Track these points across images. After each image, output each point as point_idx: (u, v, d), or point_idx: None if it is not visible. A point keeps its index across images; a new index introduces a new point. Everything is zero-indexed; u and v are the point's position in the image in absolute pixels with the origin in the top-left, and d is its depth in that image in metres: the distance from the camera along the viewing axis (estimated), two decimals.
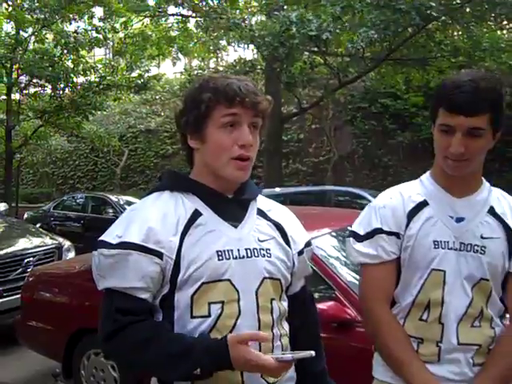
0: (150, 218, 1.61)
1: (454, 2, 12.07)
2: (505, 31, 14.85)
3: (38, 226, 10.73)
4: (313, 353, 1.50)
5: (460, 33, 13.66)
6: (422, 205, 1.92)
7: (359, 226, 1.99)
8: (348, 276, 3.39)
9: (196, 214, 1.65)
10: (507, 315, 1.94)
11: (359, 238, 1.96)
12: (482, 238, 1.86)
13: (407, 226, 1.90)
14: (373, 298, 1.92)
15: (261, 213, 1.77)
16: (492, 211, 1.90)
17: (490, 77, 1.81)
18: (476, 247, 1.85)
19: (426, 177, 2.01)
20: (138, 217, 1.63)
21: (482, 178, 1.97)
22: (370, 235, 1.94)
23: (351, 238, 1.99)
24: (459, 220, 1.87)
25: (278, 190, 11.30)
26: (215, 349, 1.51)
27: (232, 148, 1.62)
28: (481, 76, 1.78)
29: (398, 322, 1.90)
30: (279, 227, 1.77)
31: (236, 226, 1.68)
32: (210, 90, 1.61)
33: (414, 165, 13.75)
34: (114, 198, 12.60)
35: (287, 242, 1.76)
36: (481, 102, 1.72)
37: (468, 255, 1.85)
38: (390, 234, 1.91)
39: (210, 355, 1.50)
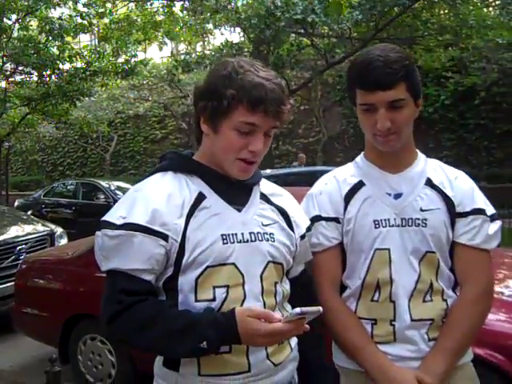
0: (155, 198, 1.59)
1: None
2: (491, 8, 14.85)
3: (29, 213, 10.72)
4: (320, 308, 1.48)
5: (446, 11, 13.64)
6: (358, 186, 1.90)
7: None
8: None
9: (201, 197, 1.63)
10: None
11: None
12: (421, 210, 1.83)
13: (345, 209, 1.89)
14: (320, 285, 1.90)
15: (264, 197, 1.76)
16: (429, 183, 1.88)
17: (397, 48, 1.79)
18: (417, 221, 1.83)
19: (360, 158, 1.98)
20: (142, 197, 1.60)
21: (417, 151, 1.95)
22: (311, 223, 1.90)
23: None
24: (397, 196, 1.85)
25: (268, 171, 11.30)
26: (222, 321, 1.49)
27: (241, 150, 1.60)
28: (388, 49, 1.76)
29: (347, 308, 1.88)
30: (282, 212, 1.76)
31: (240, 210, 1.67)
32: (236, 86, 1.55)
33: None
34: (104, 183, 12.56)
35: (290, 227, 1.76)
36: (394, 73, 1.70)
37: (410, 230, 1.83)
38: (328, 219, 1.90)
39: (216, 327, 1.49)
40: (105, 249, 1.59)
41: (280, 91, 1.58)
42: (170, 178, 1.67)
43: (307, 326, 1.52)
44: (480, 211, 1.86)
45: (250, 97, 1.53)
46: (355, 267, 1.89)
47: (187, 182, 1.66)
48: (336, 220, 1.89)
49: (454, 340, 1.79)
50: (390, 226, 1.84)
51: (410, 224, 1.83)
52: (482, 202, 1.88)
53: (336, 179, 1.94)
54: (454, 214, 1.85)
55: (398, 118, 1.75)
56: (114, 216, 1.59)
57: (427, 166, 1.92)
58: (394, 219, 1.84)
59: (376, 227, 1.84)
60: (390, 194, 1.86)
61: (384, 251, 1.83)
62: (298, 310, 1.45)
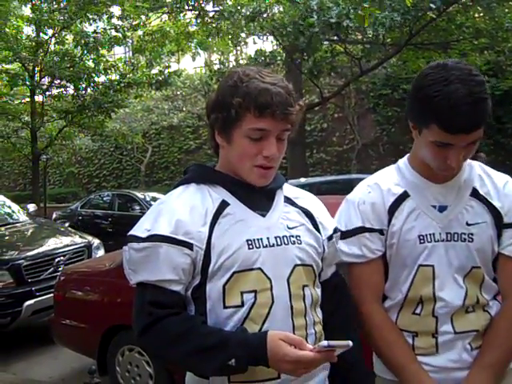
0: (178, 210, 1.62)
1: None
2: None
3: (66, 225, 10.86)
4: (350, 343, 1.46)
5: (481, 14, 13.45)
6: (403, 197, 1.83)
7: (340, 221, 1.91)
8: None
9: (223, 205, 1.65)
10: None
11: (342, 235, 1.87)
12: (467, 225, 1.78)
13: (389, 222, 1.83)
14: (362, 299, 1.85)
15: (288, 200, 1.76)
16: (475, 193, 1.81)
17: (477, 75, 1.62)
18: (463, 236, 1.77)
19: (403, 163, 1.91)
20: (165, 210, 1.64)
21: None
22: (352, 233, 1.86)
23: (337, 234, 1.89)
24: (442, 208, 1.79)
25: (303, 180, 11.27)
26: (253, 341, 1.50)
27: (256, 157, 1.61)
28: (471, 80, 1.59)
29: (390, 322, 1.84)
30: (308, 214, 1.76)
31: (264, 215, 1.67)
32: (241, 94, 1.57)
33: None
34: (139, 194, 12.70)
35: (317, 228, 1.75)
36: (480, 117, 1.60)
37: (456, 245, 1.77)
38: (372, 231, 1.84)
39: (246, 347, 1.49)
40: (132, 262, 1.62)
41: (286, 94, 1.58)
42: (192, 190, 1.69)
43: (336, 357, 1.51)
44: None
45: (256, 103, 1.55)
46: (397, 281, 1.84)
47: (210, 192, 1.68)
48: (380, 232, 1.84)
49: (498, 355, 1.75)
50: (435, 241, 1.78)
51: (455, 239, 1.78)
52: None
53: (380, 188, 1.87)
54: (500, 226, 1.79)
55: (470, 152, 1.69)
56: (139, 230, 1.62)
57: (472, 173, 1.85)
58: (440, 234, 1.78)
59: (421, 242, 1.79)
60: (434, 207, 1.80)
61: (428, 268, 1.78)
62: (325, 343, 1.46)
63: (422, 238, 1.79)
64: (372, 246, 1.85)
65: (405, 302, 1.83)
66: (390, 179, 1.89)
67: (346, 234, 1.88)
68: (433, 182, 1.82)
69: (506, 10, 12.78)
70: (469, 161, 1.86)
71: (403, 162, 1.92)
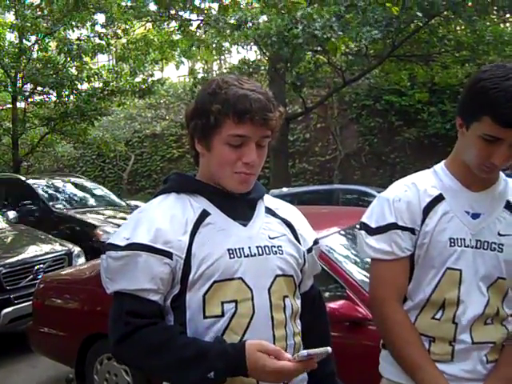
0: (158, 218, 1.60)
1: None
2: (508, 24, 14.81)
3: None
4: (329, 349, 1.47)
5: (463, 27, 13.61)
6: (438, 199, 1.84)
7: (370, 218, 1.90)
8: (359, 275, 3.38)
9: (204, 214, 1.63)
10: None
11: (371, 231, 1.87)
12: (499, 235, 1.79)
13: (423, 221, 1.83)
14: (385, 297, 1.84)
15: (269, 211, 1.76)
16: (509, 206, 1.84)
17: None
18: (493, 245, 1.78)
19: (440, 168, 1.92)
20: (145, 218, 1.62)
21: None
22: (383, 229, 1.85)
23: (363, 231, 1.91)
24: (475, 216, 1.80)
25: (285, 189, 11.28)
26: (231, 353, 1.48)
27: (236, 163, 1.60)
28: None
29: (410, 322, 1.83)
30: (289, 225, 1.76)
31: (245, 225, 1.66)
32: (220, 100, 1.56)
33: (421, 161, 13.74)
34: (122, 202, 12.61)
35: (297, 239, 1.75)
36: None
37: (485, 253, 1.78)
38: (404, 229, 1.83)
39: (225, 359, 1.48)
40: (110, 271, 1.60)
41: (265, 100, 1.58)
42: (173, 199, 1.68)
43: (316, 364, 1.51)
44: None
45: (235, 109, 1.54)
46: (422, 282, 1.84)
47: (190, 202, 1.66)
48: (411, 231, 1.83)
49: (509, 371, 1.77)
50: (465, 247, 1.79)
51: (485, 247, 1.78)
52: None
53: (416, 188, 1.87)
54: None
55: None
56: (117, 238, 1.60)
57: (507, 187, 1.87)
58: (470, 240, 1.79)
59: (451, 245, 1.79)
60: (468, 213, 1.81)
61: (456, 272, 1.79)
62: (305, 352, 1.46)
63: (452, 241, 1.79)
64: (402, 244, 1.84)
65: (426, 304, 1.83)
66: (427, 181, 1.89)
67: (377, 230, 1.87)
68: (468, 189, 1.84)
69: (487, 24, 12.96)
70: (504, 175, 1.90)
71: (440, 166, 1.93)
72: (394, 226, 1.84)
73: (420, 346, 1.80)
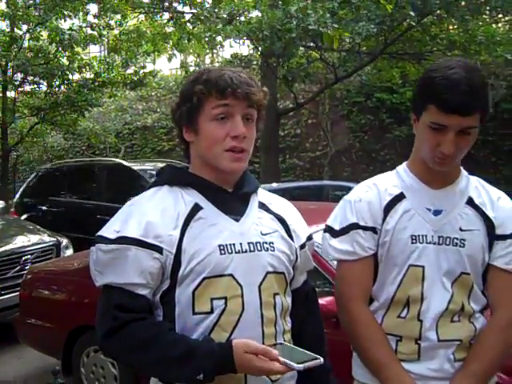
0: (149, 212, 1.59)
1: None
2: (500, 24, 14.84)
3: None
4: (322, 360, 1.47)
5: (455, 26, 13.64)
6: (399, 198, 1.88)
7: (334, 220, 1.94)
8: None
9: (196, 208, 1.63)
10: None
11: (335, 234, 1.91)
12: (460, 230, 1.80)
13: (384, 220, 1.86)
14: (350, 297, 1.87)
15: (262, 206, 1.75)
16: (471, 202, 1.85)
17: (479, 70, 1.75)
18: (455, 240, 1.80)
19: (402, 168, 1.95)
20: (136, 211, 1.61)
21: (461, 167, 1.92)
22: (346, 230, 1.89)
23: (327, 234, 1.94)
24: (437, 213, 1.82)
25: (275, 185, 11.27)
26: (219, 353, 1.48)
27: (225, 140, 1.60)
28: (471, 69, 1.70)
29: (375, 322, 1.85)
30: (282, 220, 1.76)
31: (238, 220, 1.66)
32: (202, 82, 1.60)
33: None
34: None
35: (290, 236, 1.75)
36: (476, 101, 1.66)
37: (447, 249, 1.80)
38: (366, 228, 1.87)
39: (213, 360, 1.47)
40: (99, 264, 1.59)
41: (246, 76, 1.61)
42: (165, 192, 1.67)
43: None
44: None
45: (218, 86, 1.57)
46: (386, 281, 1.86)
47: (182, 195, 1.65)
48: (373, 230, 1.86)
49: (482, 365, 1.76)
50: (426, 243, 1.81)
51: (447, 243, 1.80)
52: None
53: (377, 188, 1.91)
54: (492, 236, 1.81)
55: (463, 143, 1.72)
56: (108, 231, 1.59)
57: (469, 184, 1.88)
58: (432, 236, 1.81)
59: (413, 242, 1.81)
60: (429, 210, 1.83)
61: (418, 268, 1.80)
62: (300, 366, 1.45)
63: (414, 238, 1.81)
64: (364, 244, 1.87)
65: (391, 303, 1.85)
66: (388, 181, 1.93)
67: (340, 232, 1.90)
68: (430, 187, 1.86)
69: (480, 23, 12.99)
70: (466, 173, 1.91)
71: (402, 167, 1.96)
72: (355, 226, 1.88)
73: (385, 345, 1.82)
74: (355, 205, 1.90)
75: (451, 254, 1.80)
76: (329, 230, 1.95)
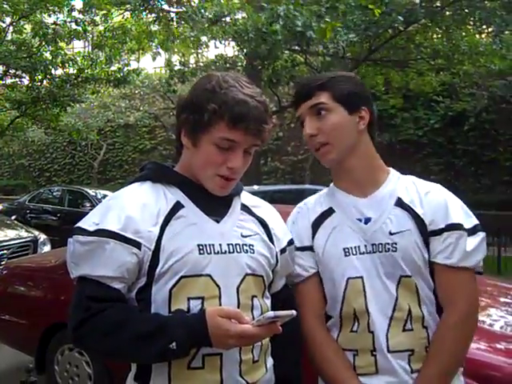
0: (129, 206, 1.57)
1: (435, 5, 12.17)
2: (483, 35, 15.00)
3: (13, 218, 10.62)
4: (294, 312, 1.46)
5: (440, 36, 13.78)
6: (327, 213, 1.86)
7: None
8: None
9: (177, 206, 1.61)
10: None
11: None
12: (390, 234, 1.76)
13: (313, 237, 1.86)
14: (302, 317, 1.82)
15: (245, 208, 1.74)
16: (400, 202, 1.79)
17: None
18: (387, 246, 1.75)
19: (331, 185, 1.95)
20: (116, 205, 1.59)
21: (389, 170, 1.90)
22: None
23: None
24: (367, 221, 1.79)
25: (256, 187, 11.25)
26: (192, 321, 1.47)
27: (220, 166, 1.59)
28: None
29: (330, 339, 1.82)
30: (263, 224, 1.75)
31: (218, 221, 1.65)
32: (218, 100, 1.53)
33: (393, 165, 13.78)
34: (91, 191, 12.49)
35: (271, 239, 1.74)
36: None
37: (381, 256, 1.75)
38: (303, 249, 1.87)
39: (186, 327, 1.46)
40: (76, 255, 1.56)
41: (263, 109, 1.56)
42: (147, 188, 1.65)
43: (280, 328, 1.49)
44: (455, 226, 1.75)
45: (232, 113, 1.52)
46: (333, 297, 1.83)
47: (165, 192, 1.64)
48: (310, 249, 1.85)
49: (437, 367, 1.71)
50: (360, 254, 1.78)
51: (380, 250, 1.77)
52: (457, 215, 1.77)
53: (307, 207, 1.93)
54: (426, 234, 1.76)
55: None
56: (86, 223, 1.57)
57: (399, 185, 1.85)
58: (365, 246, 1.78)
59: (346, 255, 1.79)
60: (360, 220, 1.81)
61: (357, 280, 1.78)
62: (271, 313, 1.44)
63: (346, 250, 1.79)
64: (305, 264, 1.87)
65: (341, 318, 1.82)
66: (317, 199, 1.95)
67: None
68: (356, 197, 1.84)
69: (464, 34, 13.12)
70: (398, 174, 1.90)
71: (331, 184, 1.96)
72: (296, 249, 1.87)
73: (340, 362, 1.79)
74: (291, 228, 1.91)
75: (385, 259, 1.75)
76: None
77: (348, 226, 1.81)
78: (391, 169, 1.91)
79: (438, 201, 1.79)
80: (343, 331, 1.82)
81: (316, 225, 1.87)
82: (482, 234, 1.78)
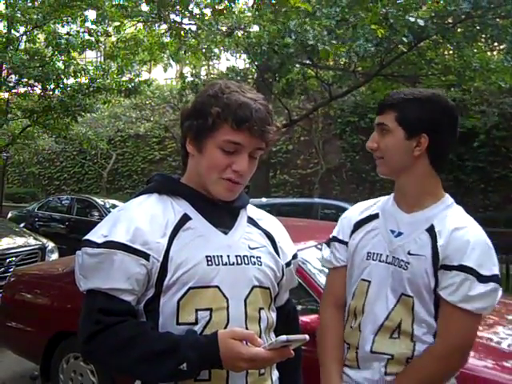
0: (138, 218, 1.57)
1: (446, 22, 12.19)
2: (495, 53, 15.01)
3: (21, 225, 10.66)
4: (307, 337, 1.45)
5: (451, 52, 13.78)
6: (372, 217, 1.99)
7: (333, 233, 2.12)
8: None
9: (185, 218, 1.61)
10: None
11: (327, 244, 2.12)
12: (408, 254, 1.83)
13: (351, 236, 2.01)
14: (323, 302, 2.08)
15: (251, 221, 1.74)
16: (430, 228, 1.85)
17: None
18: (402, 262, 1.84)
19: (393, 193, 2.03)
20: (124, 217, 1.58)
21: (444, 197, 1.93)
22: (330, 241, 2.10)
23: (324, 244, 2.15)
24: (398, 235, 1.89)
25: (264, 200, 11.29)
26: (203, 342, 1.46)
27: (225, 170, 1.58)
28: None
29: (335, 327, 1.99)
30: (270, 237, 1.75)
31: (226, 233, 1.65)
32: (221, 104, 1.55)
33: None
34: (99, 200, 12.56)
35: (277, 253, 1.74)
36: None
37: (395, 270, 1.86)
38: (341, 242, 2.04)
39: (197, 349, 1.45)
40: (84, 268, 1.56)
41: (266, 112, 1.58)
42: (154, 200, 1.65)
43: (292, 352, 1.49)
44: (465, 268, 1.76)
45: (235, 115, 1.53)
46: (348, 293, 2.00)
47: (172, 204, 1.64)
48: (346, 244, 2.02)
49: (409, 380, 1.79)
50: (379, 261, 1.90)
51: (395, 264, 1.86)
52: (475, 259, 1.76)
53: (362, 206, 2.08)
54: (437, 265, 1.80)
55: None
56: (95, 235, 1.57)
57: (442, 213, 1.88)
58: (387, 256, 1.89)
59: (367, 259, 1.93)
60: (393, 232, 1.90)
61: (365, 282, 1.92)
62: (284, 337, 1.43)
63: (369, 254, 1.94)
64: (337, 255, 2.04)
65: (349, 313, 1.97)
66: (376, 202, 2.07)
67: (328, 244, 2.12)
68: (402, 211, 1.93)
69: (475, 50, 13.13)
70: (449, 202, 1.93)
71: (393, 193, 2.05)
72: (334, 239, 2.08)
73: (332, 348, 1.97)
74: (341, 220, 2.10)
75: (396, 274, 1.85)
76: (328, 240, 2.13)
77: (381, 233, 1.93)
78: (447, 196, 1.95)
79: (461, 240, 1.80)
80: (347, 325, 1.98)
81: (357, 226, 2.02)
82: (494, 285, 1.77)
